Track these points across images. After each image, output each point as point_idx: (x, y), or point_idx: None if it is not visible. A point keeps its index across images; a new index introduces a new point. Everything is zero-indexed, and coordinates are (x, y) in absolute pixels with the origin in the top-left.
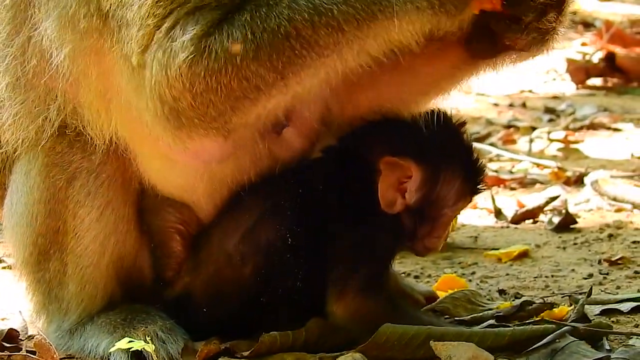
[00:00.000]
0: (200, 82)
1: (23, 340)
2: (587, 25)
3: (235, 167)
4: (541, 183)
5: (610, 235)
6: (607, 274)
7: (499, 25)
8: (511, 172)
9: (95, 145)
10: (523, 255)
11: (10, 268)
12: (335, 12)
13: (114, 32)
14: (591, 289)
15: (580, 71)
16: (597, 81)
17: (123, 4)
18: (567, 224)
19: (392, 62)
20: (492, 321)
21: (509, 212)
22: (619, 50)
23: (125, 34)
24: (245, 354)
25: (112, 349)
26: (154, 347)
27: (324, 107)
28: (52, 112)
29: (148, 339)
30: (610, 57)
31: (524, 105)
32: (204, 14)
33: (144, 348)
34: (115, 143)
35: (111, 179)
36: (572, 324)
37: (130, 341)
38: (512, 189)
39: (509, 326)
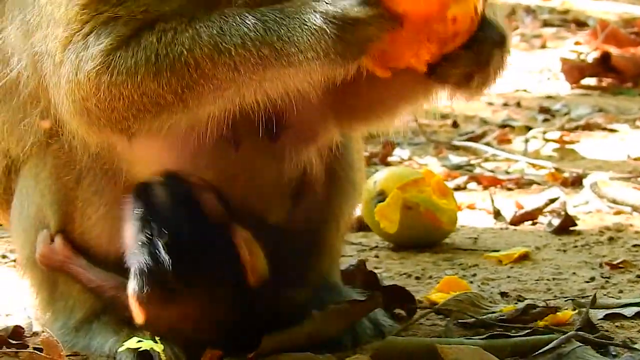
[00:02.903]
0: (104, 90)
1: (28, 337)
2: (580, 24)
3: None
4: (538, 184)
5: (610, 238)
6: (609, 277)
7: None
8: (507, 172)
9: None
10: (523, 257)
11: (14, 264)
12: (233, 52)
13: (44, 28)
14: (595, 295)
15: (574, 71)
16: (591, 81)
17: (52, 1)
18: (566, 226)
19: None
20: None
21: (508, 214)
22: (613, 50)
23: (51, 32)
24: (250, 355)
25: (120, 349)
26: (162, 346)
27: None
28: (35, 118)
29: (157, 339)
30: (604, 57)
31: (518, 104)
32: (117, 28)
33: (151, 347)
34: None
35: (118, 177)
36: (579, 332)
37: (139, 341)
38: (509, 189)
39: (510, 334)
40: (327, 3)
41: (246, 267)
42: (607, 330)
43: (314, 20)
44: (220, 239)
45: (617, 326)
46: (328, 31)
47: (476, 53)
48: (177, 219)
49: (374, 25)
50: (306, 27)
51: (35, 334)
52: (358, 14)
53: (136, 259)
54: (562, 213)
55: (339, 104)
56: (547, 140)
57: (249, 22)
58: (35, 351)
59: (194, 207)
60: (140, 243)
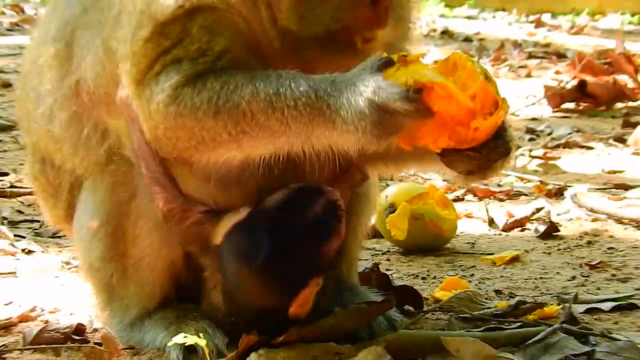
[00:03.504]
0: (171, 120)
1: (89, 333)
2: (560, 56)
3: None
4: (525, 195)
5: (589, 242)
6: (588, 276)
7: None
8: (499, 185)
9: None
10: (514, 259)
11: (76, 270)
12: (285, 112)
13: (115, 67)
14: (577, 294)
15: (555, 96)
16: (570, 105)
17: (119, 40)
18: (551, 232)
19: None
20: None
21: (500, 221)
22: (589, 78)
23: (122, 68)
24: (280, 338)
25: (169, 343)
26: (205, 341)
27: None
28: (96, 141)
29: (200, 334)
30: (581, 85)
31: None
32: (183, 67)
33: (196, 342)
34: None
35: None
36: (563, 325)
37: (185, 336)
38: (501, 200)
39: (504, 327)
40: (373, 91)
41: (298, 299)
42: (587, 323)
43: (361, 103)
44: (306, 272)
45: (595, 319)
46: (369, 116)
47: (482, 158)
48: (303, 237)
49: (409, 117)
50: (352, 106)
51: (96, 330)
52: (397, 107)
53: (250, 226)
54: (547, 220)
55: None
56: (532, 157)
57: (302, 88)
58: (96, 346)
59: (320, 239)
60: (264, 221)
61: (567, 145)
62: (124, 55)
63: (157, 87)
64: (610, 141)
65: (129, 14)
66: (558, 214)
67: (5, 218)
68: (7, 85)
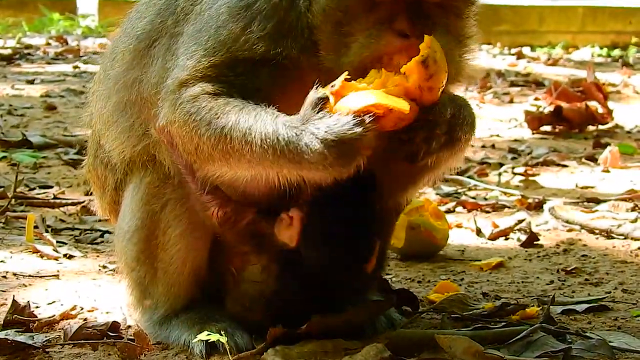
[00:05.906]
0: (182, 123)
1: (123, 330)
2: (538, 84)
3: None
4: (509, 207)
5: (565, 250)
6: (564, 281)
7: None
8: (485, 199)
9: (180, 181)
10: (499, 265)
11: (112, 273)
12: (253, 147)
13: (172, 74)
14: (554, 296)
15: (534, 120)
16: (547, 128)
17: (189, 51)
18: (531, 241)
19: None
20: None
21: (487, 231)
22: (564, 104)
23: (173, 75)
24: (303, 328)
25: (194, 340)
26: (226, 338)
27: None
28: (141, 135)
29: (222, 332)
30: (557, 110)
31: (493, 146)
32: (220, 86)
33: (218, 339)
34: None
35: (192, 207)
36: (543, 324)
37: (208, 334)
38: (487, 212)
39: (491, 326)
40: (325, 131)
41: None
42: (564, 323)
43: (318, 145)
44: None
45: (571, 319)
46: (330, 154)
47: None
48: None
49: (364, 137)
50: (312, 150)
51: (129, 327)
52: (351, 135)
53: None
54: (528, 231)
55: (385, 183)
56: (515, 174)
57: (268, 129)
58: (129, 341)
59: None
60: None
61: (545, 163)
62: (182, 66)
63: (192, 88)
64: (583, 160)
65: (206, 40)
66: (537, 225)
67: (49, 226)
68: (53, 108)
